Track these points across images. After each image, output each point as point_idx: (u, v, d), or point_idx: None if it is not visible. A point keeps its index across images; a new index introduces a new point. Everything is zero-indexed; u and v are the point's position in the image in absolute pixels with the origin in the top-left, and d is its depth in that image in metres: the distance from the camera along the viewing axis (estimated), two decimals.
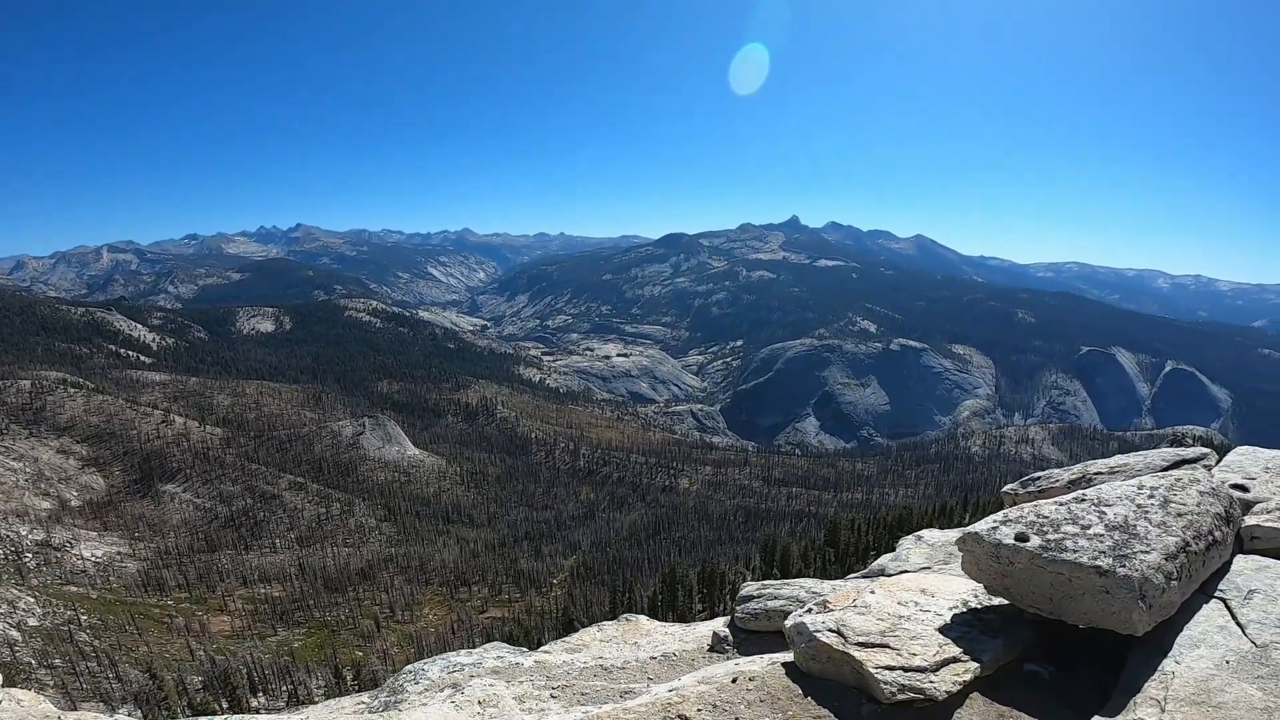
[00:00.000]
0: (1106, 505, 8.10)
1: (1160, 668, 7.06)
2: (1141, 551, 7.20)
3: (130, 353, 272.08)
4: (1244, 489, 10.35)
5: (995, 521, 8.09)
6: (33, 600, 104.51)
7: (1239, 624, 7.40)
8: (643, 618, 12.61)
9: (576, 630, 12.97)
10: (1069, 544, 7.39)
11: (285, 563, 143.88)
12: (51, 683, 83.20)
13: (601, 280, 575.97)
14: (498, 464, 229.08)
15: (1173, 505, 8.10)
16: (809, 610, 8.40)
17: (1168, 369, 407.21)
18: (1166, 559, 7.21)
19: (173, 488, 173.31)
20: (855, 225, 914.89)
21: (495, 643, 11.91)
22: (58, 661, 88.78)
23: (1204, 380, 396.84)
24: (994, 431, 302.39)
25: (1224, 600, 7.80)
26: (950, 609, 8.41)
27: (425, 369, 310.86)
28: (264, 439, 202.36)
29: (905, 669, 7.26)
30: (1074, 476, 11.69)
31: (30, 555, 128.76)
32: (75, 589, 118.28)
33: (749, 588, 11.92)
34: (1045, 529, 7.74)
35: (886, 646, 7.55)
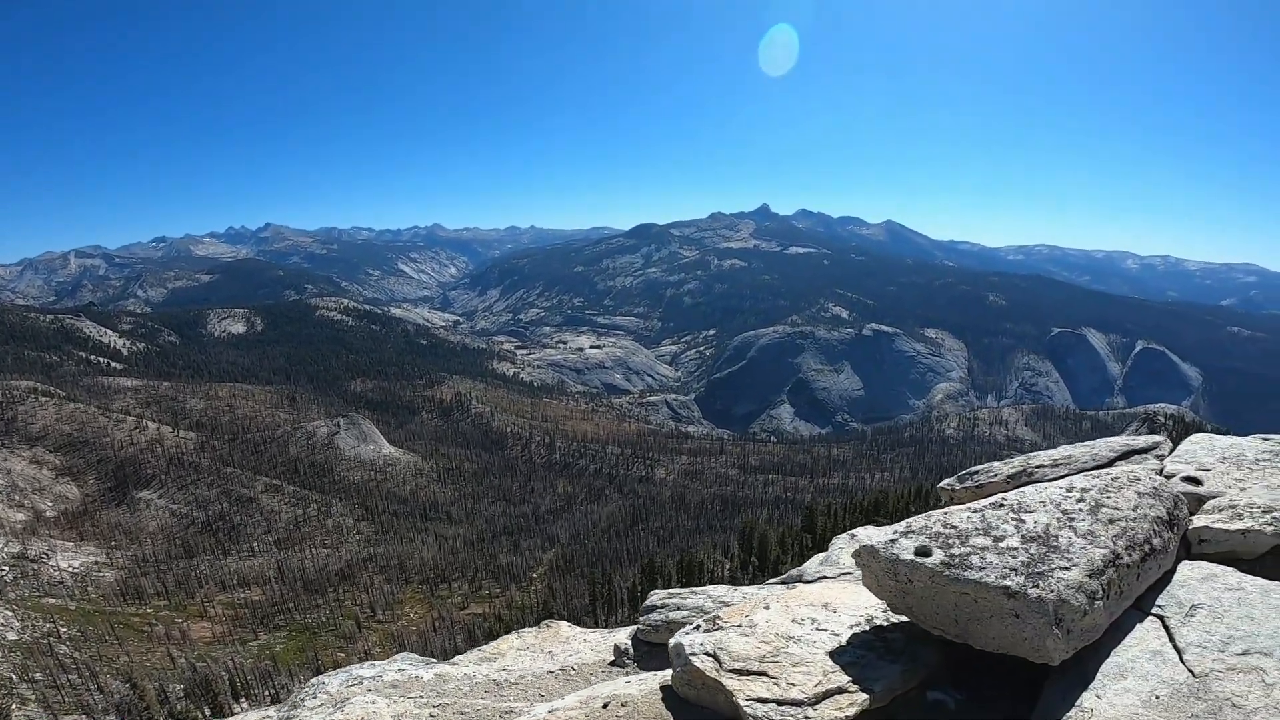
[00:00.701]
0: (1027, 512, 7.41)
1: (1078, 703, 6.16)
2: (1060, 568, 6.39)
3: (101, 359, 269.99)
4: (1197, 482, 9.74)
5: (896, 532, 7.29)
6: (11, 614, 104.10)
7: (1177, 648, 6.53)
8: (564, 624, 12.01)
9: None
10: (975, 560, 6.60)
11: (264, 566, 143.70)
12: (33, 697, 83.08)
13: (573, 272, 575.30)
14: (474, 459, 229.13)
15: (1104, 510, 7.40)
16: (696, 628, 7.83)
17: (1138, 348, 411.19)
18: (1090, 575, 6.38)
19: (148, 494, 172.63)
20: (826, 212, 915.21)
21: (405, 654, 11.44)
22: (38, 675, 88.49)
23: (1174, 359, 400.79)
24: (968, 414, 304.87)
25: (1162, 618, 6.98)
26: (851, 627, 7.70)
27: (398, 366, 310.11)
28: (238, 442, 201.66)
29: (780, 702, 6.65)
30: (1014, 470, 11.22)
31: (6, 569, 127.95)
32: (53, 601, 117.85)
33: (655, 596, 11.38)
34: (951, 542, 6.96)
35: (764, 675, 6.96)
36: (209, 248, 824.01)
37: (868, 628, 7.67)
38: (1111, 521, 7.20)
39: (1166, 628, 6.83)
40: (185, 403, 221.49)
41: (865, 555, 7.30)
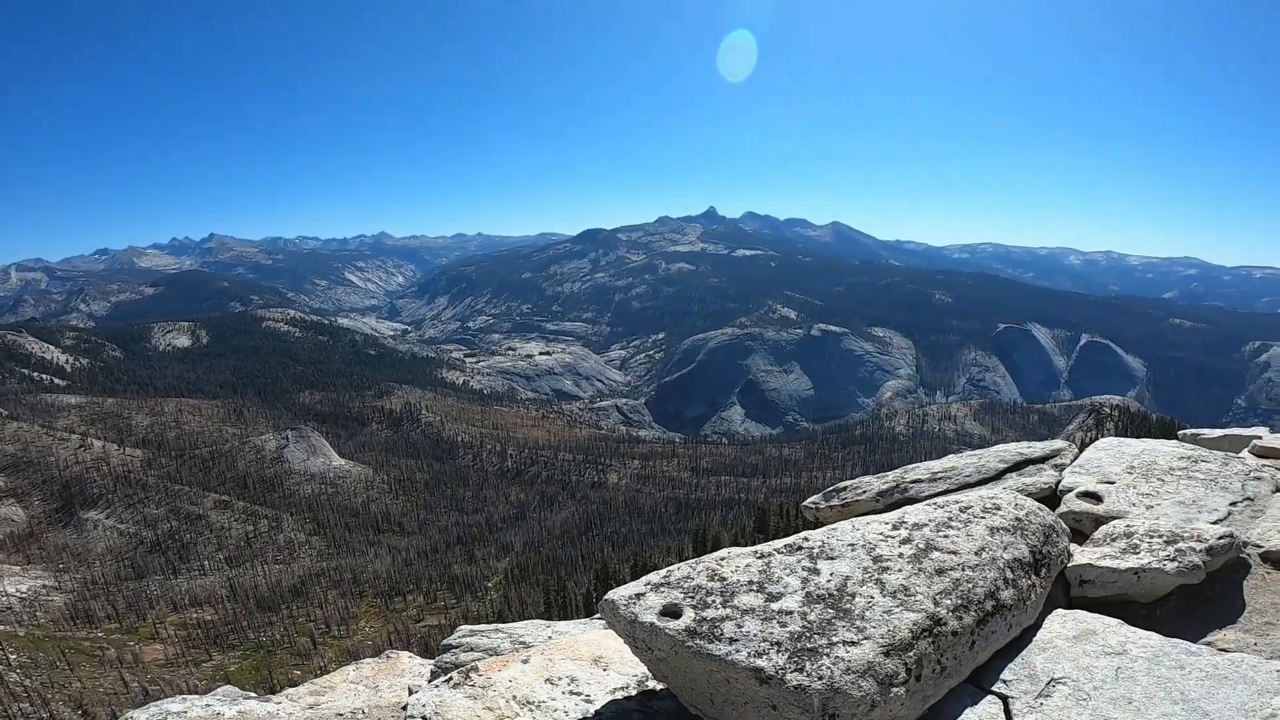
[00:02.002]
0: (828, 558, 5.87)
1: None
2: (844, 642, 4.84)
3: (44, 376, 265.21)
4: (1096, 498, 8.81)
5: (647, 584, 5.59)
6: None
7: None
8: (404, 654, 10.41)
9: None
10: (730, 628, 4.97)
11: (215, 585, 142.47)
12: None
13: (521, 279, 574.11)
14: (425, 470, 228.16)
15: (935, 555, 5.92)
16: (447, 679, 6.31)
17: (1083, 342, 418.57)
18: (889, 652, 4.86)
19: (95, 514, 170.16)
20: (772, 214, 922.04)
21: (226, 687, 10.42)
22: None
23: (1118, 351, 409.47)
24: (917, 410, 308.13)
25: (1006, 699, 5.30)
26: (614, 692, 6.15)
27: (347, 377, 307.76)
28: (186, 458, 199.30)
29: None
30: (886, 486, 10.36)
31: None
32: (2, 627, 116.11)
33: (458, 632, 9.40)
34: (711, 600, 5.30)
35: None
36: (152, 259, 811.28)
37: (635, 693, 6.12)
38: (941, 572, 5.74)
39: (1010, 714, 5.15)
40: (131, 419, 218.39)
41: (607, 612, 5.55)
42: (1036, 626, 6.16)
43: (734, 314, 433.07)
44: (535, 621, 10.04)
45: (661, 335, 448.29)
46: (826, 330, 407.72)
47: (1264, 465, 10.47)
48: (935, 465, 10.85)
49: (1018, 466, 10.59)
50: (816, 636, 4.91)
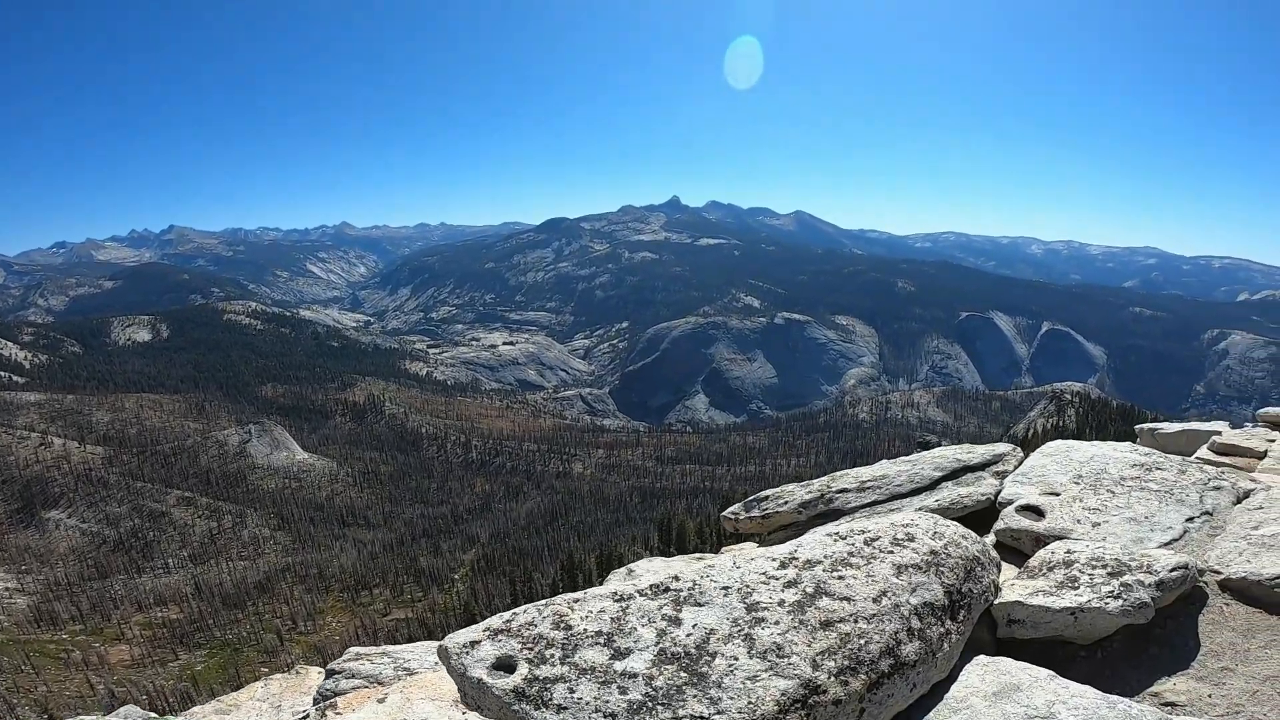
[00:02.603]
0: (695, 604, 5.11)
1: None
2: (691, 717, 4.24)
3: (2, 373, 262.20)
4: (1038, 513, 8.22)
5: (487, 630, 4.88)
6: None
7: None
8: (313, 670, 10.26)
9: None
10: (559, 692, 4.39)
11: (180, 583, 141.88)
12: None
13: (484, 269, 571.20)
14: (389, 462, 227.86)
15: (823, 603, 5.15)
16: (304, 717, 5.94)
17: (1044, 330, 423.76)
18: None
19: (57, 514, 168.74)
20: (736, 203, 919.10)
21: (129, 707, 10.15)
22: None
23: (1079, 339, 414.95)
24: (880, 398, 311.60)
25: None
26: None
27: (309, 370, 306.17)
28: (148, 454, 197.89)
29: None
30: (810, 496, 9.78)
31: None
32: None
33: (345, 656, 8.78)
34: (550, 654, 4.68)
35: None
36: (111, 252, 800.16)
37: None
38: (827, 624, 4.97)
39: None
40: (91, 416, 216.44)
41: (442, 659, 4.95)
42: (951, 679, 5.27)
43: (698, 303, 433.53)
44: (429, 644, 8.87)
45: (625, 324, 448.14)
46: (790, 319, 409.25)
47: (1224, 469, 10.23)
48: (865, 473, 10.39)
49: (955, 474, 10.13)
50: (660, 709, 4.26)
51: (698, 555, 9.95)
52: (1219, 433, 13.31)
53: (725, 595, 5.22)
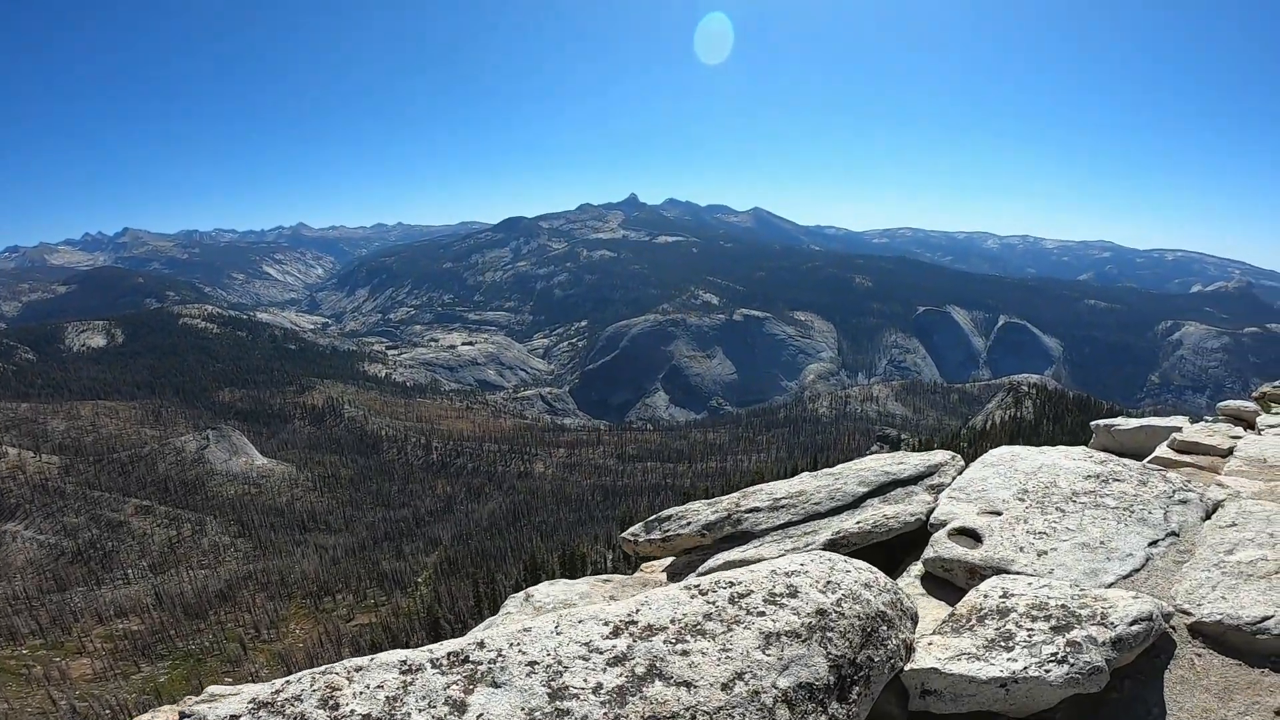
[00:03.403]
0: (491, 684, 4.12)
1: None
2: None
3: None
4: (975, 538, 7.36)
5: (253, 703, 3.97)
6: None
7: None
8: (165, 710, 8.11)
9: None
10: None
11: (140, 593, 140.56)
12: None
13: (442, 269, 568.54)
14: (349, 465, 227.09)
15: (654, 690, 4.14)
16: None
17: (1001, 323, 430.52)
18: None
19: (13, 526, 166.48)
20: (694, 201, 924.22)
21: None
22: None
23: (1035, 331, 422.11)
24: (839, 392, 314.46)
25: None
26: None
27: (267, 373, 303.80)
28: (104, 463, 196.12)
29: None
30: (716, 517, 8.77)
31: None
32: None
33: (203, 695, 6.03)
34: None
35: None
36: (65, 256, 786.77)
37: None
38: None
39: None
40: (46, 424, 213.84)
41: None
42: None
43: (656, 300, 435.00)
44: (307, 673, 7.23)
45: (584, 323, 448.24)
46: (748, 315, 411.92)
47: (1190, 475, 9.84)
48: (780, 488, 9.20)
49: (882, 490, 9.05)
50: None
51: (605, 577, 9.04)
52: (1179, 429, 13.14)
53: (530, 674, 4.18)
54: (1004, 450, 9.83)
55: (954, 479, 9.27)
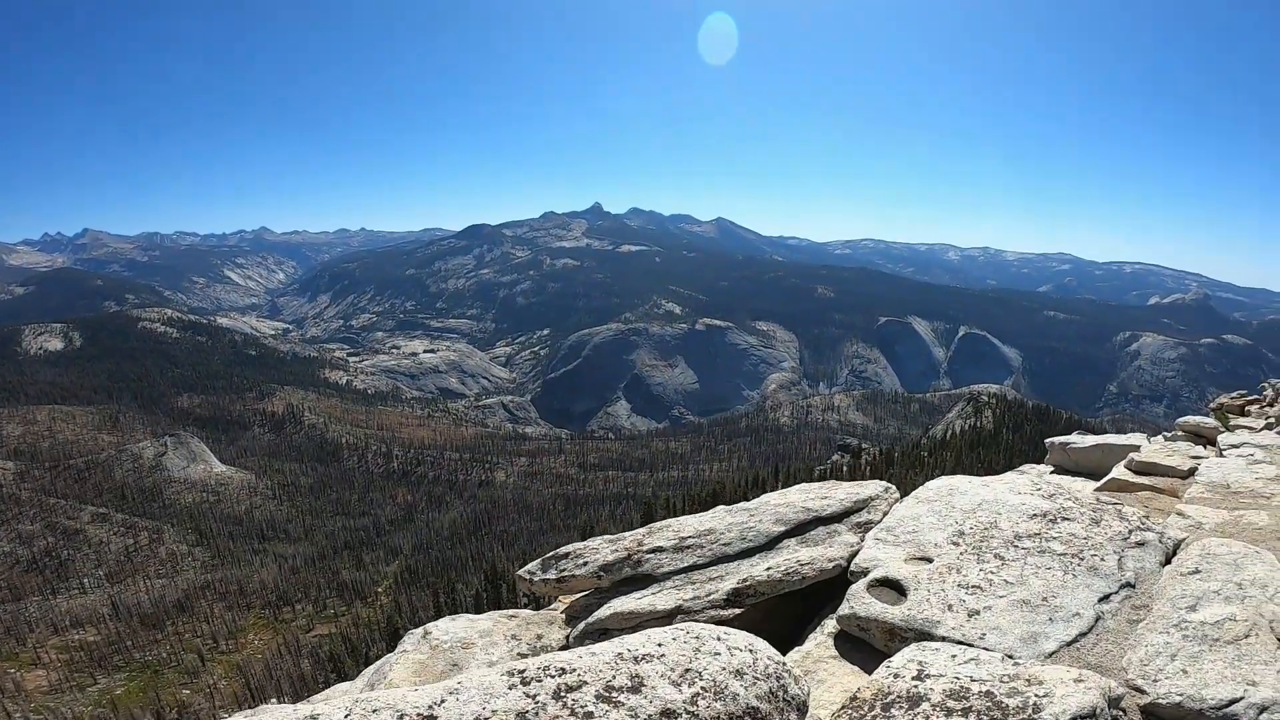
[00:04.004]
0: None
1: None
2: None
3: None
4: (899, 590, 6.54)
5: None
6: None
7: None
8: None
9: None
10: None
11: (97, 603, 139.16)
12: None
13: (405, 275, 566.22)
14: (309, 473, 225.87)
15: None
16: None
17: (961, 334, 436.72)
18: None
19: None
20: (658, 210, 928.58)
21: None
22: None
23: (995, 342, 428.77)
24: (801, 402, 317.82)
25: None
26: None
27: (227, 379, 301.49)
28: (60, 469, 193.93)
29: None
30: (615, 557, 8.10)
31: None
32: None
33: None
34: None
35: None
36: (23, 257, 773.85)
37: None
38: None
39: None
40: (1, 429, 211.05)
41: None
42: None
43: (619, 309, 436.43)
44: None
45: (547, 331, 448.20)
46: (711, 324, 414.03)
47: (1148, 505, 9.46)
48: (690, 525, 8.44)
49: (802, 529, 8.25)
50: None
51: (511, 613, 8.43)
52: (1137, 447, 12.51)
53: None
54: (942, 483, 9.06)
55: (885, 514, 8.56)
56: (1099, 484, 11.33)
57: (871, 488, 9.23)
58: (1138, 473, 11.25)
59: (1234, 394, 22.71)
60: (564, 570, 8.25)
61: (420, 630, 7.81)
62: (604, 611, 7.39)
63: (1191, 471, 10.89)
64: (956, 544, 7.18)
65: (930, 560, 6.92)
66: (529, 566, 8.86)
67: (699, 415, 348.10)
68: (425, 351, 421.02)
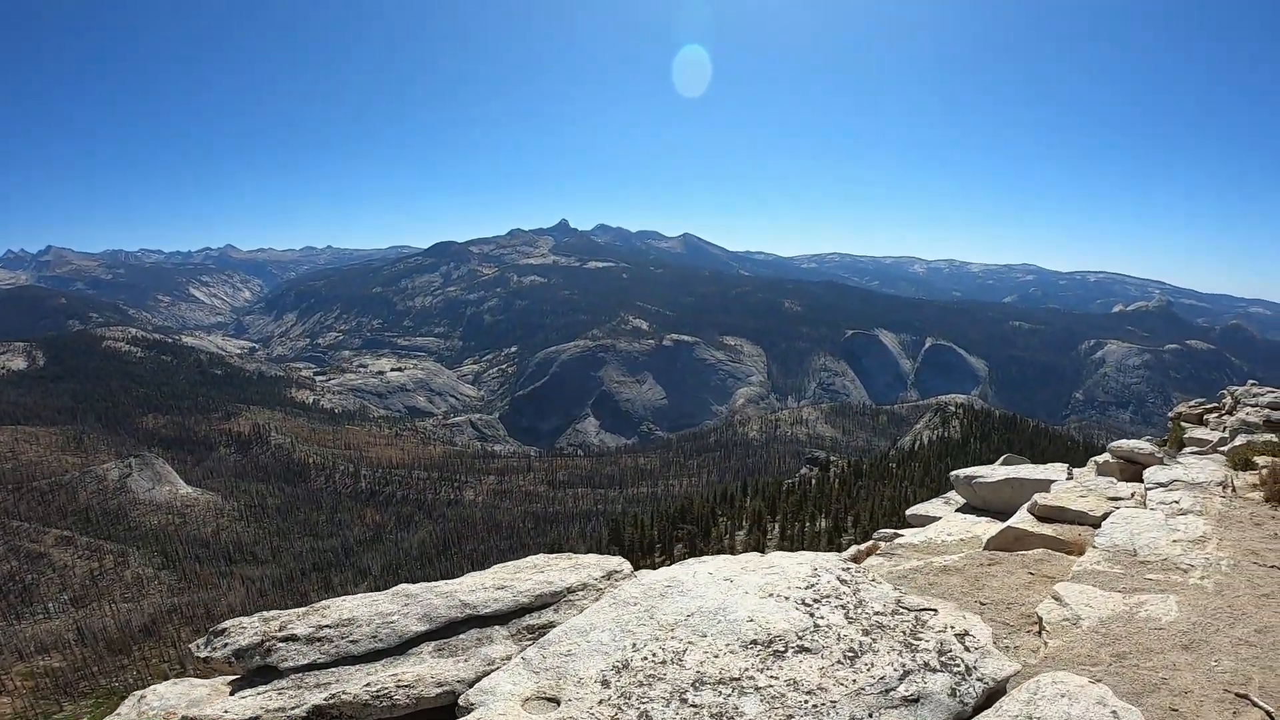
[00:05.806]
0: None
1: None
2: None
3: None
4: None
5: None
6: None
7: None
8: None
9: None
10: None
11: (62, 628, 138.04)
12: None
13: (372, 294, 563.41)
14: (277, 494, 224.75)
15: None
16: None
17: (928, 345, 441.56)
18: None
19: None
20: (624, 226, 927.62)
21: None
22: None
23: (962, 353, 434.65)
24: (769, 415, 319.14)
25: None
26: None
27: (192, 399, 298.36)
28: (24, 491, 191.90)
29: None
30: (249, 642, 6.70)
31: None
32: None
33: None
34: None
35: None
36: None
37: None
38: None
39: None
40: None
41: None
42: None
43: (586, 326, 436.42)
44: None
45: (514, 349, 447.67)
46: (678, 340, 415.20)
47: (1031, 578, 7.90)
48: (337, 612, 7.11)
49: (453, 628, 6.73)
50: None
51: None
52: (1052, 481, 11.43)
53: None
54: (670, 574, 6.91)
55: (588, 607, 6.84)
56: (994, 533, 10.06)
57: (585, 573, 7.52)
58: (1041, 518, 9.97)
59: (1192, 402, 23.09)
60: (214, 649, 6.79)
61: (138, 695, 6.65)
62: (211, 710, 6.03)
63: (1104, 518, 9.29)
64: (608, 683, 5.14)
65: (557, 705, 5.06)
66: (200, 639, 7.26)
67: (668, 431, 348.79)
68: (392, 370, 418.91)
